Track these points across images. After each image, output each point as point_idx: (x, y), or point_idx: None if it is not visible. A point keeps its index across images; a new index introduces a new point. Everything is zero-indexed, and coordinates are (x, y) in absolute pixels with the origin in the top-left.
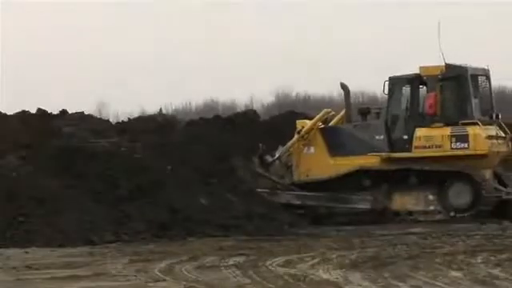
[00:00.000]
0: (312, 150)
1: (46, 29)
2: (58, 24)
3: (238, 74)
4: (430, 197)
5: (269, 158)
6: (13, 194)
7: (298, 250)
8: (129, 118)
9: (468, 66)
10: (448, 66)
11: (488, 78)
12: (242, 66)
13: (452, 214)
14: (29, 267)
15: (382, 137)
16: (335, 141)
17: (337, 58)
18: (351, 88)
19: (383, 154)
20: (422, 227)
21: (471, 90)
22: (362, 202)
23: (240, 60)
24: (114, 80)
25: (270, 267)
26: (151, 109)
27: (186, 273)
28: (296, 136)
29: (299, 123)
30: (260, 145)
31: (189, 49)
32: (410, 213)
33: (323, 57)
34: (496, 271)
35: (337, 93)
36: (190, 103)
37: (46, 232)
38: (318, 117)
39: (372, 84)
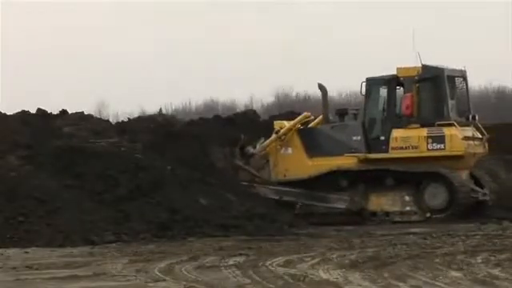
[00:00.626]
0: (289, 150)
1: (46, 29)
2: (58, 24)
3: (238, 74)
4: (407, 197)
5: (250, 150)
6: (13, 193)
7: (298, 250)
8: (129, 118)
9: (445, 67)
10: (424, 67)
11: (465, 79)
12: (242, 65)
13: (428, 214)
14: (29, 267)
15: (359, 137)
16: (312, 142)
17: (337, 57)
18: (352, 88)
19: (360, 154)
20: (421, 227)
21: (447, 91)
22: (339, 202)
23: (240, 60)
24: (114, 80)
25: (270, 267)
26: (151, 109)
27: (185, 273)
28: (274, 136)
29: (277, 124)
30: (242, 136)
31: (189, 49)
32: (387, 213)
33: (323, 57)
34: (496, 271)
35: (336, 93)
36: (189, 103)
37: (46, 232)
38: (296, 120)
39: None
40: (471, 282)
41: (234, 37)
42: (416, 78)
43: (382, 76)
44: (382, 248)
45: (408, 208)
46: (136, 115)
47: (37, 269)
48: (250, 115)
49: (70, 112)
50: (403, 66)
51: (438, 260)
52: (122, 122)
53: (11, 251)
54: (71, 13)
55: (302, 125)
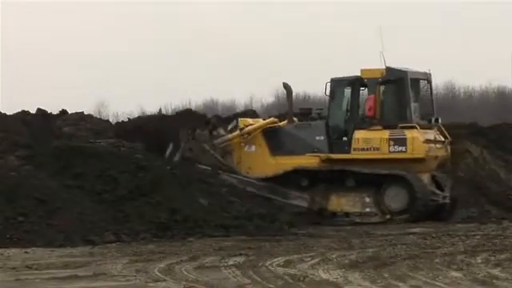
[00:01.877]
0: (253, 148)
1: (45, 29)
2: (58, 24)
3: (238, 74)
4: (367, 199)
5: (221, 131)
6: (13, 193)
7: (298, 250)
8: (129, 118)
9: (408, 69)
10: (388, 69)
11: (429, 82)
12: (242, 66)
13: (388, 216)
14: (29, 267)
15: (322, 137)
16: (276, 140)
17: (337, 58)
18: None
19: (322, 154)
20: (421, 227)
21: (410, 93)
22: (300, 200)
23: (240, 60)
24: (114, 80)
25: (269, 267)
26: (151, 109)
27: (185, 273)
28: (237, 132)
29: (242, 121)
30: (210, 118)
31: (189, 49)
32: (347, 214)
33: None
34: (496, 271)
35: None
36: (189, 103)
37: (46, 232)
38: (263, 123)
39: None
40: (471, 282)
41: (233, 37)
42: (380, 79)
43: (347, 77)
44: (382, 248)
45: (368, 209)
46: (136, 115)
47: (37, 269)
48: (250, 115)
49: (69, 112)
50: (367, 68)
51: (437, 260)
52: (122, 121)
53: (11, 251)
54: (71, 13)
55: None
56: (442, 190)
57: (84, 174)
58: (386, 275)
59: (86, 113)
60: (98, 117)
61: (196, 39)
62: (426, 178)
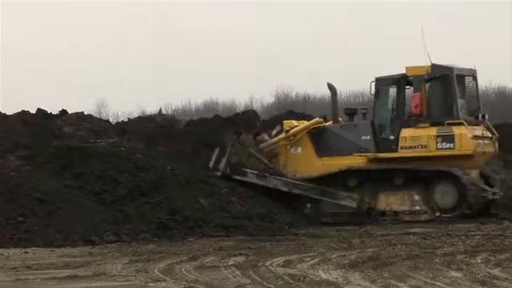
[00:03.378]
0: (299, 149)
1: (46, 29)
2: (58, 24)
3: (238, 74)
4: (416, 197)
5: (265, 136)
6: (13, 194)
7: (298, 250)
8: (129, 118)
9: (454, 66)
10: (434, 66)
11: (475, 78)
12: (241, 65)
13: (437, 214)
14: (29, 267)
15: (368, 137)
16: (322, 141)
17: (337, 57)
18: (354, 88)
19: (369, 154)
20: (421, 227)
21: (457, 90)
22: (348, 200)
23: (240, 60)
24: (114, 80)
25: (269, 267)
26: (151, 109)
27: (185, 273)
28: (283, 135)
29: (286, 123)
30: (257, 123)
31: (189, 49)
32: (396, 213)
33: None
34: (496, 271)
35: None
36: (189, 103)
37: (46, 232)
38: (308, 124)
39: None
40: (471, 282)
41: (233, 37)
42: (425, 77)
43: (391, 75)
44: (382, 248)
45: (417, 207)
46: (136, 115)
47: (37, 269)
48: (250, 115)
49: (69, 112)
50: (412, 65)
51: (437, 260)
52: (122, 121)
53: (11, 251)
54: (71, 13)
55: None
56: (491, 186)
57: (84, 173)
58: (386, 275)
59: (86, 113)
60: (98, 117)
61: (196, 39)
62: (474, 174)
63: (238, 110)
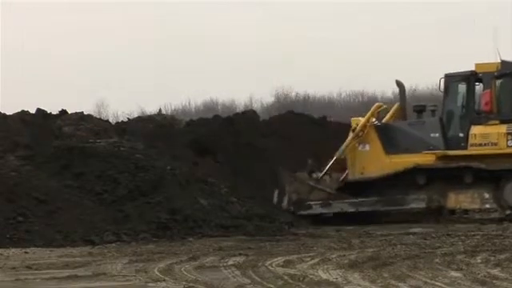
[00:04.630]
0: (367, 147)
1: (45, 29)
2: (58, 24)
3: (238, 74)
4: (486, 195)
5: (318, 174)
6: (13, 193)
7: (298, 250)
8: (128, 118)
9: None
10: (504, 63)
11: None
12: (242, 65)
13: (508, 212)
14: (29, 267)
15: (437, 134)
16: (390, 138)
17: (337, 57)
18: (354, 88)
19: (439, 151)
20: (421, 227)
21: None
22: (417, 202)
23: (240, 60)
24: (114, 80)
25: (269, 267)
26: (151, 109)
27: (185, 273)
28: (351, 134)
29: (353, 121)
30: (309, 161)
31: (189, 49)
32: (466, 211)
33: (323, 56)
34: (496, 271)
35: (336, 93)
36: (189, 103)
37: (46, 232)
38: (370, 112)
39: (372, 84)
40: (471, 282)
41: (234, 37)
42: (495, 73)
43: (461, 72)
44: (382, 248)
45: (487, 205)
46: (136, 115)
47: (36, 269)
48: (250, 115)
49: (69, 112)
50: (482, 62)
51: (437, 260)
52: (122, 121)
53: (11, 251)
54: (71, 13)
55: (375, 117)
56: None
57: (84, 173)
58: (386, 275)
59: (85, 113)
60: (98, 117)
61: (196, 39)
62: None
63: (237, 110)
